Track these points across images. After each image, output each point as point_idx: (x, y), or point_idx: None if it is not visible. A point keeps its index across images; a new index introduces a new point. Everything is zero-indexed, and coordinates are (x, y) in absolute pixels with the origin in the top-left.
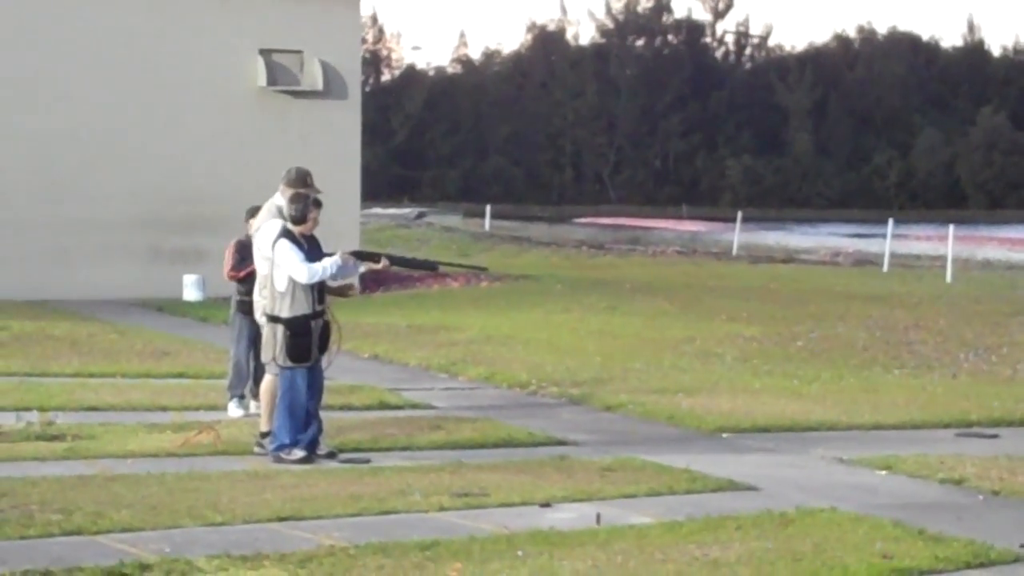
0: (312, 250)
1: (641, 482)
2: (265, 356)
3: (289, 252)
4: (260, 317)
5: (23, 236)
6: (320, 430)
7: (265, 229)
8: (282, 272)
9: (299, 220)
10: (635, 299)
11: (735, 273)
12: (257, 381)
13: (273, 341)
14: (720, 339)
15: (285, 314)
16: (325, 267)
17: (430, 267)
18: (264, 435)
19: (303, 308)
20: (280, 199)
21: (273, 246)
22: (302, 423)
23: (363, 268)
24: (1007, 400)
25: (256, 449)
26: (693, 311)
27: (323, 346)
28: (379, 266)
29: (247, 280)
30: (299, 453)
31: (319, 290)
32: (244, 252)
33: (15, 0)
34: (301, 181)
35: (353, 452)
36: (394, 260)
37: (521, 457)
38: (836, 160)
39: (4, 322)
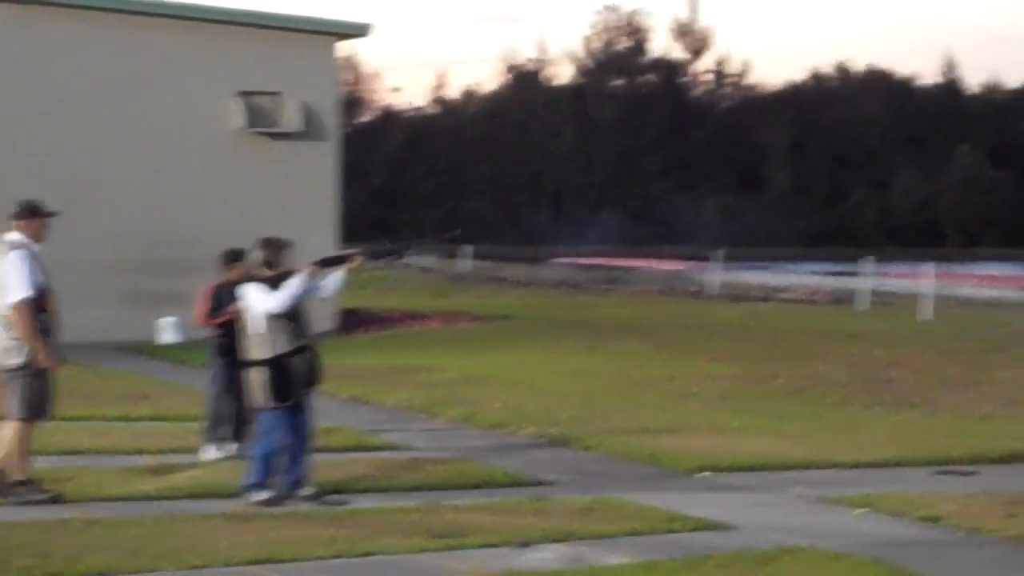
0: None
1: (620, 522)
2: (252, 401)
3: (253, 291)
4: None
5: None
6: (304, 471)
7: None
8: (256, 314)
9: (274, 265)
10: (614, 339)
11: (714, 312)
12: (235, 423)
13: (255, 383)
14: (699, 378)
15: (267, 355)
16: (290, 287)
17: (404, 247)
18: (20, 484)
19: (284, 346)
20: (16, 234)
21: (240, 292)
22: (275, 466)
23: (341, 271)
24: (985, 437)
25: (10, 499)
26: (672, 350)
27: (310, 383)
28: (355, 265)
29: (225, 322)
30: (263, 495)
31: (299, 327)
32: (221, 296)
33: None
34: (35, 211)
35: (331, 494)
36: (369, 254)
37: (500, 498)
38: (814, 198)
39: None
